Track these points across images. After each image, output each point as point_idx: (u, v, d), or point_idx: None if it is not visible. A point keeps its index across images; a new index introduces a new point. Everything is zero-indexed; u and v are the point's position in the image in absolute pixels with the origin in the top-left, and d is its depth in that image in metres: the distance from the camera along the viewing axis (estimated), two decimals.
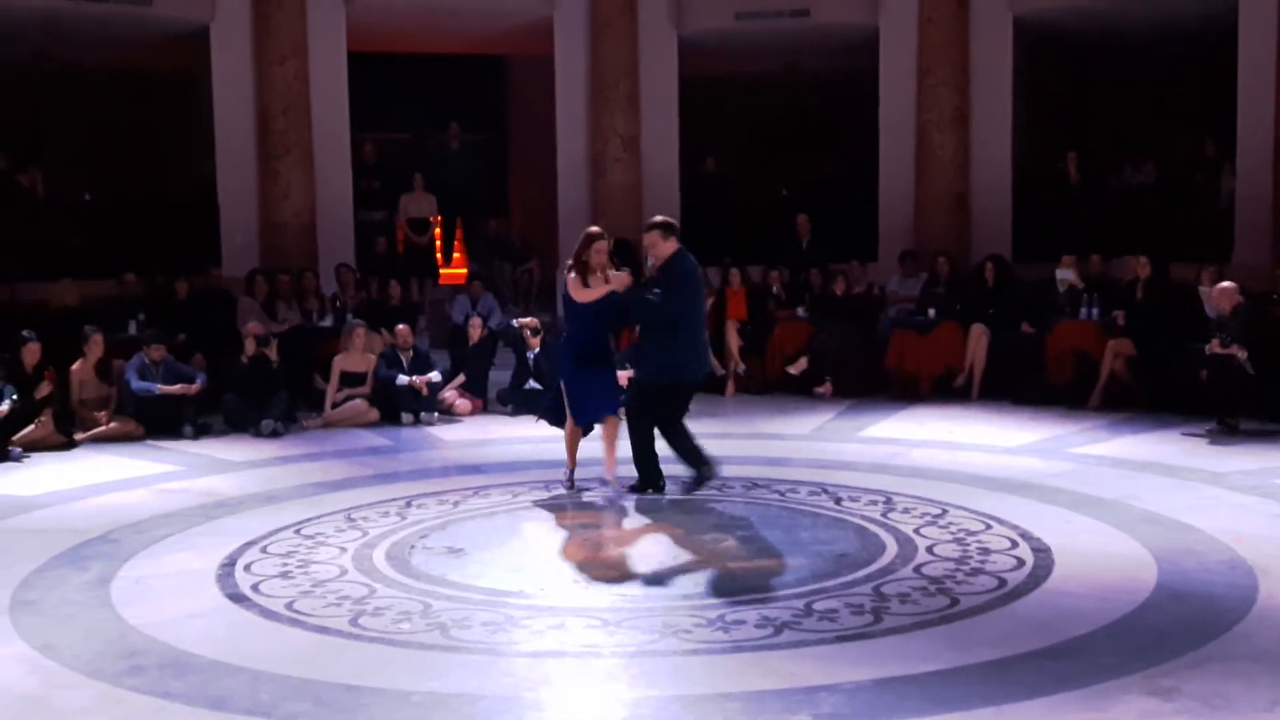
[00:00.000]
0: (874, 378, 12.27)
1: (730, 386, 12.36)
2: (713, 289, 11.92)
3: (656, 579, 6.07)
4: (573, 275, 7.78)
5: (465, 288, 13.88)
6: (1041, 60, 14.65)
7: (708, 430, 8.62)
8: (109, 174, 14.85)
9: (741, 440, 8.96)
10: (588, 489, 7.99)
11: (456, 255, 17.09)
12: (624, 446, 7.94)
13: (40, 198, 13.90)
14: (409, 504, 7.72)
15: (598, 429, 7.98)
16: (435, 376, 11.33)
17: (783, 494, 7.84)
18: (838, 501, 7.60)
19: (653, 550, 6.66)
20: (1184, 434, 9.59)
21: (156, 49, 14.49)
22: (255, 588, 6.01)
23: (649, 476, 7.84)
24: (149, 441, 10.21)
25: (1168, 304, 11.30)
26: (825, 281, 13.03)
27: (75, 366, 10.54)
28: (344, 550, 6.64)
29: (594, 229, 7.98)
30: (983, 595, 5.69)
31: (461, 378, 11.87)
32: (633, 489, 7.87)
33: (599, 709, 4.58)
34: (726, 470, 8.10)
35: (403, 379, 11.14)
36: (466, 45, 16.56)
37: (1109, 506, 7.34)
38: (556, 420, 8.17)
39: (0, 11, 12.87)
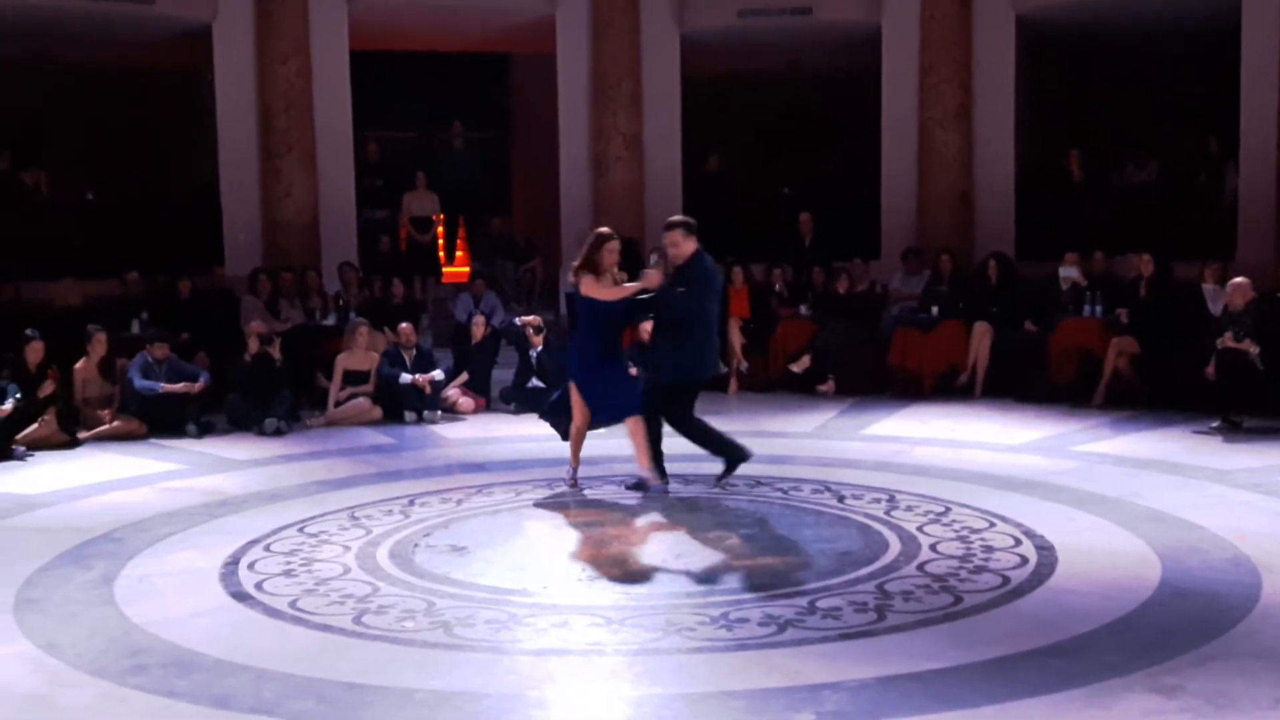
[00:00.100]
0: (877, 376, 12.27)
1: (733, 384, 12.36)
2: None
3: (660, 577, 6.07)
4: (588, 276, 7.71)
5: (468, 286, 13.89)
6: (1044, 58, 14.63)
7: None
8: (111, 173, 14.86)
9: (744, 438, 8.86)
10: (590, 487, 7.99)
11: (459, 254, 17.10)
12: (610, 445, 7.97)
13: (44, 197, 13.91)
14: (412, 502, 7.72)
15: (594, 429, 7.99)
16: (438, 375, 11.34)
17: (786, 492, 7.84)
18: (841, 499, 7.60)
19: (656, 548, 6.66)
20: (1194, 432, 9.57)
21: (158, 48, 14.51)
22: (259, 586, 6.01)
23: (658, 473, 7.85)
24: (152, 440, 10.22)
25: (1171, 302, 11.30)
26: (828, 279, 13.03)
27: (79, 365, 10.55)
28: (347, 549, 6.64)
29: (604, 229, 7.94)
30: (986, 593, 5.69)
31: (464, 376, 11.88)
32: (633, 487, 7.88)
33: (602, 707, 4.58)
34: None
35: (406, 377, 11.14)
36: (469, 44, 16.57)
37: (1112, 504, 7.33)
38: (560, 421, 8.15)
39: (0, 11, 12.88)
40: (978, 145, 14.25)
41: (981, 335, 11.96)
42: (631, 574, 6.12)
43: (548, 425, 8.43)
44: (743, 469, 8.12)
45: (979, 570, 6.04)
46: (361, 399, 11.17)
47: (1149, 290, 11.38)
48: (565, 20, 14.82)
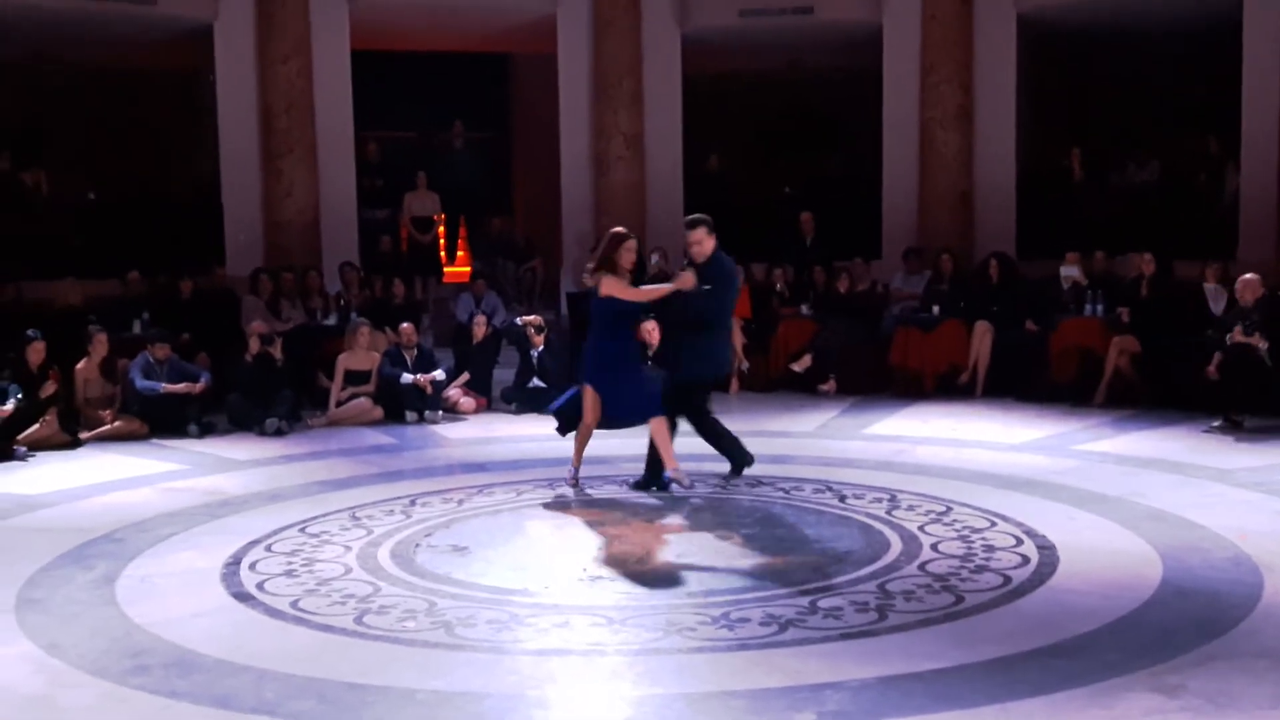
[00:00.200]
0: (878, 375, 12.27)
1: (734, 384, 12.35)
2: None
3: (661, 577, 6.07)
4: (610, 276, 7.64)
5: (469, 286, 13.89)
6: (1045, 57, 14.63)
7: None
8: (111, 173, 14.85)
9: (746, 438, 8.87)
10: (592, 487, 7.99)
11: (460, 254, 17.11)
12: (611, 445, 7.96)
13: (44, 197, 13.92)
14: (413, 502, 7.72)
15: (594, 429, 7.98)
16: (439, 375, 11.34)
17: (787, 491, 7.84)
18: (842, 499, 7.60)
19: (657, 548, 6.66)
20: (1204, 430, 9.56)
21: (159, 48, 14.51)
22: (260, 586, 6.02)
23: (659, 474, 7.86)
24: (154, 440, 10.23)
25: (1172, 301, 11.31)
26: (829, 279, 13.03)
27: (80, 365, 10.56)
28: (349, 549, 6.65)
29: (621, 229, 7.89)
30: (987, 593, 5.69)
31: (465, 376, 11.88)
32: (636, 485, 7.88)
33: (604, 707, 4.58)
34: (728, 467, 8.17)
35: (407, 377, 11.14)
36: (470, 43, 16.57)
37: (1113, 503, 7.33)
38: (569, 424, 8.10)
39: (0, 11, 12.88)
40: (979, 145, 14.24)
41: (982, 335, 11.96)
42: (633, 574, 6.12)
43: (544, 424, 8.40)
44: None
45: (980, 570, 6.04)
46: (363, 399, 11.17)
47: (1150, 289, 11.38)
48: (566, 19, 14.81)
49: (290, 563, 6.41)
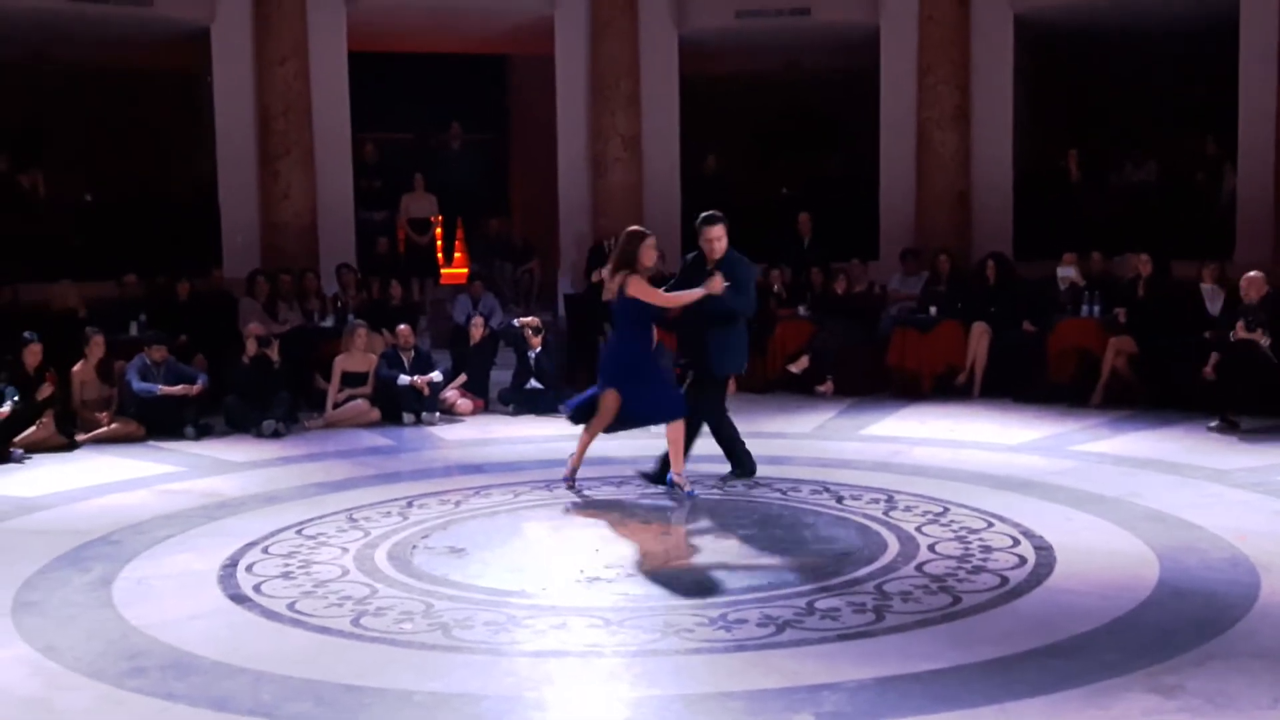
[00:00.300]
0: (875, 376, 12.27)
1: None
2: None
3: (658, 578, 6.06)
4: (636, 278, 7.58)
5: (466, 287, 13.88)
6: (1042, 58, 14.63)
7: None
8: (109, 175, 14.85)
9: (743, 439, 8.90)
10: (589, 488, 7.99)
11: (457, 255, 17.09)
12: (609, 445, 7.97)
13: (41, 199, 13.90)
14: (410, 504, 7.72)
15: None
16: (436, 376, 11.33)
17: (784, 492, 7.84)
18: (839, 500, 7.59)
19: (654, 549, 6.65)
20: (1207, 429, 9.55)
21: (157, 50, 14.49)
22: (257, 588, 6.01)
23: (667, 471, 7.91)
24: (150, 442, 10.22)
25: (1169, 302, 11.31)
26: (826, 280, 13.03)
27: (76, 368, 10.55)
28: (346, 550, 6.64)
29: (638, 228, 7.85)
30: (985, 593, 5.69)
31: (463, 378, 11.87)
32: (645, 475, 7.88)
33: (601, 708, 4.58)
34: (727, 468, 8.18)
35: (404, 379, 11.14)
36: (467, 45, 16.56)
37: (1111, 504, 7.33)
38: (583, 419, 8.03)
39: (0, 12, 12.87)
40: (976, 145, 14.24)
41: (980, 335, 11.96)
42: (630, 575, 6.12)
43: (542, 425, 8.39)
44: None
45: (977, 570, 6.04)
46: (360, 401, 11.16)
47: (1147, 290, 11.38)
48: (564, 21, 14.81)
49: (287, 565, 6.41)
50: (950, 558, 6.26)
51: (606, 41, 14.71)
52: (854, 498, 7.63)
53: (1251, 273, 10.17)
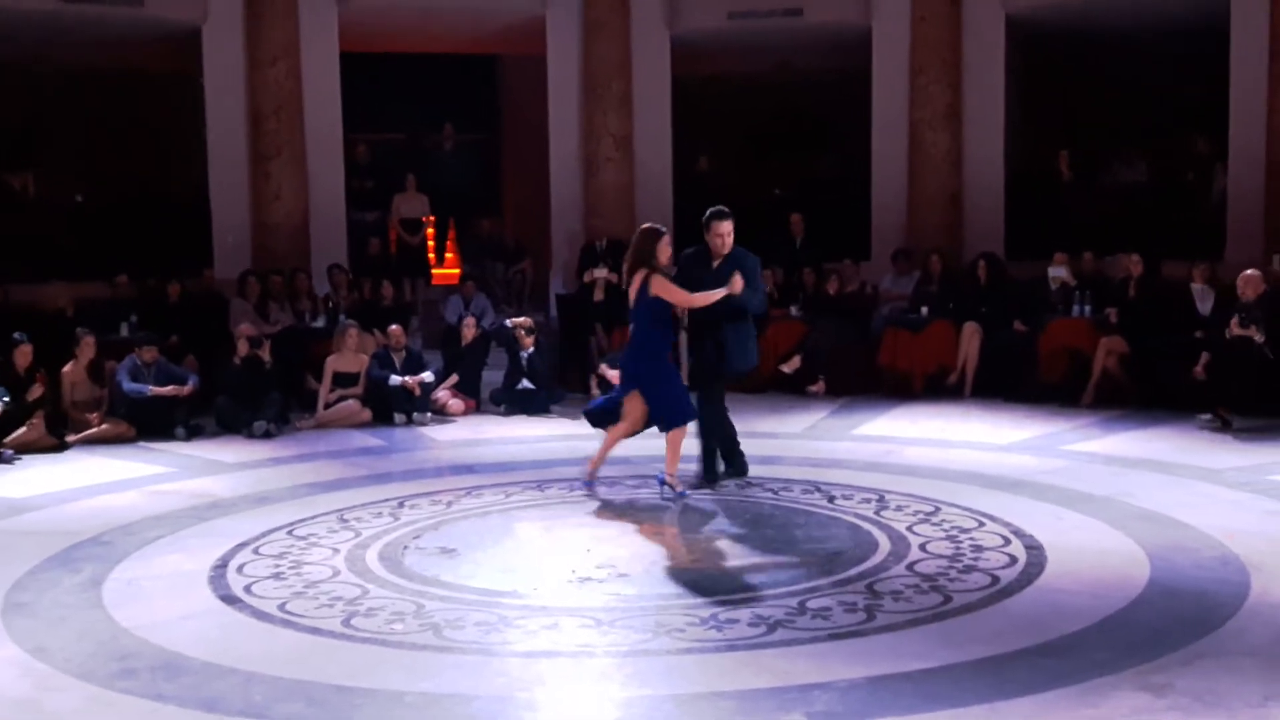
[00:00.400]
0: (867, 376, 12.28)
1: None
2: None
3: (650, 578, 6.06)
4: (659, 276, 7.53)
5: (458, 288, 13.86)
6: (1034, 58, 14.65)
7: None
8: (105, 175, 14.81)
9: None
10: (584, 489, 7.98)
11: (449, 255, 17.09)
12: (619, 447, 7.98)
13: (31, 199, 13.87)
14: (402, 504, 7.71)
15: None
16: (428, 377, 11.32)
17: (776, 492, 7.84)
18: (831, 500, 7.60)
19: (646, 549, 6.65)
20: (1198, 428, 9.58)
21: (150, 50, 14.46)
22: (248, 589, 6.00)
23: (714, 465, 8.05)
24: (141, 443, 10.19)
25: (1160, 302, 11.34)
26: (818, 280, 13.04)
27: (67, 368, 10.52)
28: (336, 551, 6.63)
29: (652, 224, 7.82)
30: (975, 592, 5.69)
31: (454, 378, 11.86)
32: (699, 485, 7.94)
33: (592, 708, 4.58)
34: (721, 468, 8.18)
35: (395, 379, 11.13)
36: (459, 45, 16.55)
37: (1101, 503, 7.35)
38: (604, 421, 8.01)
39: None
40: (967, 146, 14.26)
41: (971, 335, 11.97)
42: (621, 575, 6.11)
43: (533, 426, 8.38)
44: None
45: (968, 570, 6.05)
46: (351, 401, 11.15)
47: (1138, 290, 11.41)
48: (556, 21, 14.80)
49: (278, 565, 6.40)
50: (941, 557, 6.26)
51: (598, 42, 14.71)
52: (845, 497, 7.64)
53: (1249, 271, 10.19)
